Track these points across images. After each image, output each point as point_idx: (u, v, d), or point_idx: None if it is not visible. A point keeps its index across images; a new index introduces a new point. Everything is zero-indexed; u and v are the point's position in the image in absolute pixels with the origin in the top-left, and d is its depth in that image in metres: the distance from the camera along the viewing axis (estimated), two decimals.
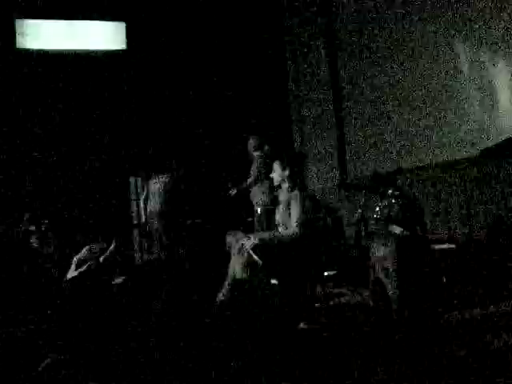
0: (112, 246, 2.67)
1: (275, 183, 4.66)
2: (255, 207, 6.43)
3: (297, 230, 4.29)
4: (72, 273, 2.48)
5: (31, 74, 7.79)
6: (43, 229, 5.25)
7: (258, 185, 6.37)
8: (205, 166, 8.05)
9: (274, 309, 4.32)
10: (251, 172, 6.46)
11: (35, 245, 5.36)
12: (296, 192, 4.42)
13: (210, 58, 8.45)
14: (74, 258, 2.62)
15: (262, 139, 6.60)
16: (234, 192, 6.55)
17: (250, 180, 6.41)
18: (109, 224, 7.20)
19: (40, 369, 1.99)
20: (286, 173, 4.51)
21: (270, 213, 5.89)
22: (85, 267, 2.46)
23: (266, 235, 4.50)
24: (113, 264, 2.83)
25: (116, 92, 8.12)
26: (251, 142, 6.57)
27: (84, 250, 2.65)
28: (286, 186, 4.53)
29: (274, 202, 5.40)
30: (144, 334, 3.19)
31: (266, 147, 6.56)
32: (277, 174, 4.58)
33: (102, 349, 2.66)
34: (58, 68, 7.93)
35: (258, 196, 6.36)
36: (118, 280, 3.31)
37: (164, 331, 3.51)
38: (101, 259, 2.45)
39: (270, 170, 4.86)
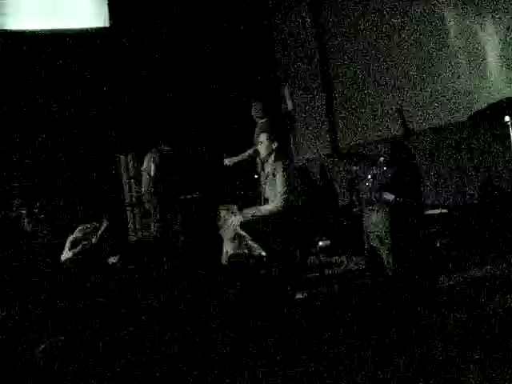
0: (104, 226, 2.66)
1: (261, 156, 4.61)
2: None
3: (281, 200, 4.28)
4: (66, 254, 2.46)
5: (13, 54, 7.66)
6: (35, 212, 5.21)
7: None
8: (198, 139, 7.98)
9: (267, 280, 4.35)
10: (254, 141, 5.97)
11: (28, 229, 5.32)
12: (280, 162, 4.39)
13: (196, 27, 8.31)
14: (68, 239, 2.59)
15: (268, 104, 6.19)
16: (228, 162, 6.27)
17: (251, 150, 5.99)
18: (100, 203, 7.17)
19: (37, 353, 1.98)
20: (274, 146, 4.47)
21: None
22: (79, 248, 2.43)
23: (250, 212, 4.48)
24: (106, 243, 2.82)
25: (101, 70, 8.00)
26: (255, 108, 6.15)
27: (77, 230, 2.62)
28: (272, 158, 4.50)
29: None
30: (141, 314, 3.20)
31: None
32: (264, 146, 4.53)
33: (100, 331, 2.67)
34: (40, 48, 7.80)
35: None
36: (113, 259, 3.31)
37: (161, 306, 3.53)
38: (93, 240, 2.43)
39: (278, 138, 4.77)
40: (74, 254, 2.48)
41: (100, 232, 2.67)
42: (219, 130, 8.03)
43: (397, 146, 5.21)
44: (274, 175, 4.39)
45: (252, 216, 4.34)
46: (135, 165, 7.69)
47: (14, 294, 2.45)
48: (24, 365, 1.85)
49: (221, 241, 5.16)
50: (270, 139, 4.49)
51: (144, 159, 6.88)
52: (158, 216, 6.62)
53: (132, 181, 7.75)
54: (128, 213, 7.78)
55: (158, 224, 6.58)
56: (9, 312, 2.13)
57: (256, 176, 6.15)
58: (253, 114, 6.20)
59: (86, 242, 2.58)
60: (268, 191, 4.49)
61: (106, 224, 2.65)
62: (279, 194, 4.28)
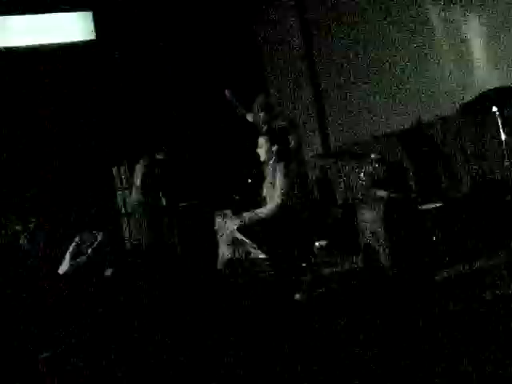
0: (100, 238, 2.66)
1: (262, 158, 4.63)
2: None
3: (280, 202, 4.30)
4: (64, 266, 2.46)
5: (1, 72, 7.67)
6: (31, 227, 5.21)
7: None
8: (191, 145, 7.99)
9: (267, 283, 4.37)
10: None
11: (25, 247, 5.30)
12: (281, 164, 4.41)
13: (182, 30, 8.34)
14: (69, 251, 2.59)
15: (269, 98, 5.88)
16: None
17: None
18: (96, 215, 7.17)
19: (39, 362, 1.98)
20: (275, 148, 4.50)
21: None
22: (77, 260, 2.44)
23: (247, 215, 4.50)
24: (103, 256, 2.82)
25: (90, 83, 8.03)
26: (258, 102, 5.68)
27: (76, 239, 2.62)
28: (272, 160, 4.52)
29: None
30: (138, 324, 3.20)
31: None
32: (264, 149, 4.55)
33: (99, 342, 2.67)
34: (28, 64, 7.82)
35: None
36: (108, 272, 3.30)
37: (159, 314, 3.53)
38: (89, 252, 2.43)
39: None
40: (71, 266, 2.48)
41: (96, 244, 2.68)
42: (211, 134, 8.06)
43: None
44: (273, 177, 4.41)
45: (249, 219, 4.35)
46: (128, 175, 7.69)
47: (13, 309, 2.45)
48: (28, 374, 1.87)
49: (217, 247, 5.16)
50: (271, 141, 4.51)
51: (135, 169, 6.88)
52: (146, 225, 6.59)
53: (126, 191, 7.74)
54: (123, 224, 7.78)
55: (148, 234, 6.53)
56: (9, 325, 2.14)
57: (249, 180, 6.12)
58: (253, 110, 5.78)
59: (82, 257, 2.59)
60: (267, 193, 4.52)
61: (101, 237, 2.66)
62: (277, 196, 4.31)
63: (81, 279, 2.42)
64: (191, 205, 7.10)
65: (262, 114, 5.37)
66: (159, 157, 6.78)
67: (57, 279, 2.40)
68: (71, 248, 2.56)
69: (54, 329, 2.17)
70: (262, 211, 4.42)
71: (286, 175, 4.35)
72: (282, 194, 4.29)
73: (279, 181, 4.35)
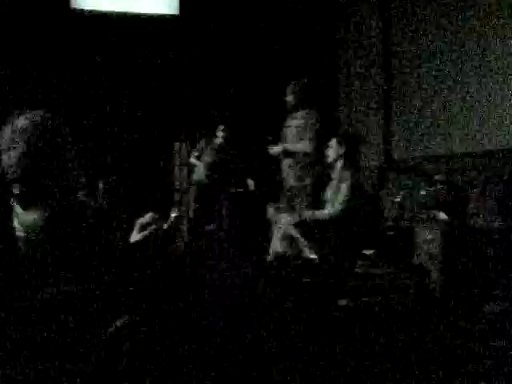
0: (175, 215, 2.72)
1: (329, 160, 4.65)
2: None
3: (341, 208, 4.34)
4: (135, 236, 2.50)
5: (84, 33, 7.87)
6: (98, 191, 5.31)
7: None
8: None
9: (314, 284, 4.40)
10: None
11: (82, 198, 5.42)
12: (348, 172, 4.44)
13: (261, 24, 8.38)
14: (137, 222, 2.62)
15: (305, 85, 5.28)
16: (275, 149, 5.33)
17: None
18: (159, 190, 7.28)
19: (110, 331, 2.05)
20: (342, 150, 4.51)
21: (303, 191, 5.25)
22: (148, 232, 2.48)
23: (306, 214, 4.54)
24: (175, 233, 2.90)
25: (165, 58, 8.17)
26: (292, 87, 5.29)
27: (147, 215, 2.67)
28: (339, 164, 4.54)
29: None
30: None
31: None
32: (333, 150, 4.58)
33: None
34: (109, 29, 8.00)
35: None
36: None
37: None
38: (165, 226, 2.49)
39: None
40: (144, 237, 2.53)
41: (171, 220, 2.73)
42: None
43: None
44: (339, 181, 4.44)
45: (309, 218, 4.40)
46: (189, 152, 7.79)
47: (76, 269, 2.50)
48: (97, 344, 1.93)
49: (269, 239, 5.21)
50: (339, 143, 4.53)
51: (198, 146, 6.98)
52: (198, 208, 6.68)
53: (184, 168, 7.86)
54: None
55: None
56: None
57: (270, 138, 5.57)
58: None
59: (155, 227, 2.63)
60: (329, 196, 4.54)
61: (177, 213, 2.74)
62: (341, 201, 4.34)
63: (153, 250, 2.48)
64: (244, 192, 7.14)
65: (291, 98, 5.24)
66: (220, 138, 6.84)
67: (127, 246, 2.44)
68: (139, 220, 2.61)
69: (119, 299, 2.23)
70: (322, 213, 4.46)
71: (351, 185, 4.38)
72: (346, 202, 4.32)
73: (345, 188, 4.37)
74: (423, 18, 7.02)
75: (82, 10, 7.97)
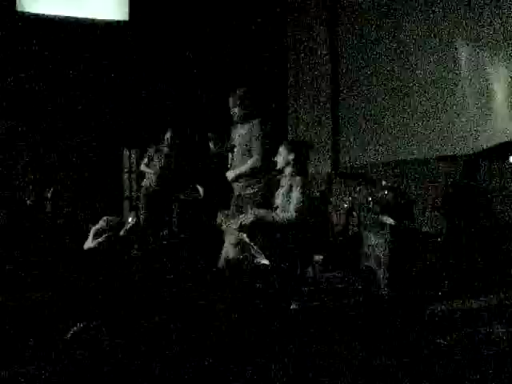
0: (132, 220, 2.74)
1: (278, 166, 4.67)
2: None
3: (294, 214, 4.37)
4: (89, 243, 2.52)
5: (30, 37, 7.73)
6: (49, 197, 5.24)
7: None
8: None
9: (266, 288, 4.45)
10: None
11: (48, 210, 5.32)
12: (299, 178, 4.48)
13: (212, 29, 8.43)
14: (92, 229, 2.65)
15: (248, 93, 5.11)
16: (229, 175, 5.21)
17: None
18: (107, 197, 7.23)
19: (69, 335, 2.06)
20: (291, 157, 4.53)
21: None
22: (103, 238, 2.50)
23: (264, 213, 4.54)
24: (130, 239, 2.89)
25: (114, 63, 8.11)
26: (236, 95, 5.11)
27: (101, 221, 2.69)
28: (289, 170, 4.58)
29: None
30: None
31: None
32: (281, 156, 4.60)
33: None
34: (56, 34, 7.88)
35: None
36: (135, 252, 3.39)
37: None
38: (121, 232, 2.50)
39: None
40: (98, 244, 2.54)
41: (128, 226, 2.75)
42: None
43: None
44: (290, 188, 4.47)
45: (263, 217, 4.41)
46: (138, 159, 7.76)
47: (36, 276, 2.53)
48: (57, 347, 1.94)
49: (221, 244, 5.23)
50: (288, 149, 4.56)
51: (148, 152, 6.96)
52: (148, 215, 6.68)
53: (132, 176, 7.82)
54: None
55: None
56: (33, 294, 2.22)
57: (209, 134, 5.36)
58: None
59: (111, 233, 2.65)
60: (280, 202, 4.56)
61: (135, 219, 2.74)
62: (293, 207, 4.37)
63: (107, 256, 2.49)
64: (193, 198, 7.16)
65: (236, 109, 5.08)
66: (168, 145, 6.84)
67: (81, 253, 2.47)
68: (94, 227, 2.62)
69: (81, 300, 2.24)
70: (280, 216, 4.45)
71: (303, 191, 4.40)
72: (298, 209, 4.36)
73: (295, 194, 4.40)
74: (370, 25, 7.23)
75: (29, 13, 7.81)
